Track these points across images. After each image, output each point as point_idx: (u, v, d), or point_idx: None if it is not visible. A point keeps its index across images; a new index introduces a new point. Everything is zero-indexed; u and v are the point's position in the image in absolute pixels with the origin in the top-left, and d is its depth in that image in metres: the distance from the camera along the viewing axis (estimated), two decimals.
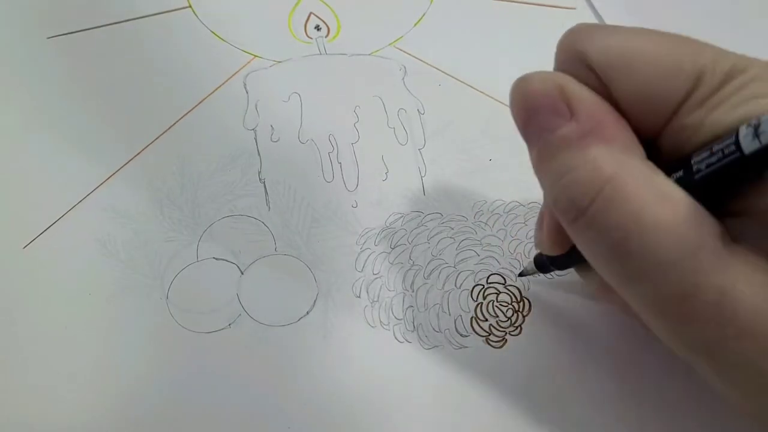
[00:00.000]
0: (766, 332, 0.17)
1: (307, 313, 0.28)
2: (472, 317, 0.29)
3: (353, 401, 0.27)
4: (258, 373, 0.27)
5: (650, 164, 0.19)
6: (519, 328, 0.28)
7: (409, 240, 0.30)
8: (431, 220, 0.31)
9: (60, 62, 0.33)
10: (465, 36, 0.36)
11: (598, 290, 0.25)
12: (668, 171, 0.19)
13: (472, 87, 0.34)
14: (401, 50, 0.35)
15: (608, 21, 0.37)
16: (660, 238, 0.18)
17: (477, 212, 0.31)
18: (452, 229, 0.30)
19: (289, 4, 0.36)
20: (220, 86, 0.33)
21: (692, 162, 0.18)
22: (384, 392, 0.27)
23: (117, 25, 0.35)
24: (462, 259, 0.30)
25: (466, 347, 0.28)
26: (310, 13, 0.36)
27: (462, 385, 0.27)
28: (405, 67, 0.35)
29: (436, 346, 0.28)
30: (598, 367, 0.28)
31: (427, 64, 0.35)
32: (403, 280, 0.29)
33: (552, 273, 0.28)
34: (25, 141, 0.31)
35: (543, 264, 0.27)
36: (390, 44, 0.35)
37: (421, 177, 0.32)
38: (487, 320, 0.28)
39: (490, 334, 0.28)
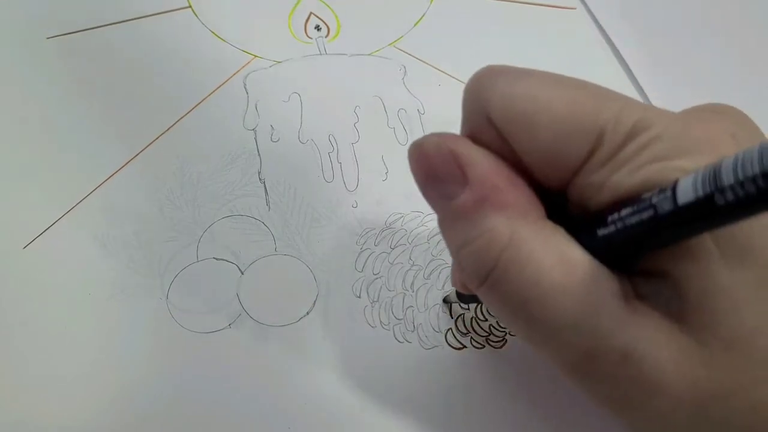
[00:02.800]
0: (674, 389, 0.17)
1: (307, 313, 0.28)
2: (472, 317, 0.29)
3: (353, 401, 0.27)
4: (258, 373, 0.27)
5: (549, 224, 0.19)
6: None
7: (409, 240, 0.30)
8: (431, 220, 0.31)
9: (60, 62, 0.33)
10: (465, 36, 0.36)
11: None
12: (575, 226, 0.19)
13: None
14: (401, 50, 0.35)
15: (603, 23, 0.37)
16: (558, 302, 0.18)
17: None
18: None
19: (289, 5, 0.36)
20: (220, 86, 0.33)
21: (596, 228, 0.18)
22: (384, 392, 0.27)
23: (117, 25, 0.35)
24: None
25: (466, 347, 0.28)
26: (310, 13, 0.36)
27: (462, 385, 0.27)
28: (405, 67, 0.35)
29: (436, 346, 0.28)
30: None
31: (427, 64, 0.35)
32: (403, 280, 0.29)
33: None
34: (25, 141, 0.31)
35: (463, 297, 0.27)
36: (390, 44, 0.35)
37: None
38: (487, 320, 0.28)
39: (490, 334, 0.28)
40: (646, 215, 0.16)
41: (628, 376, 0.18)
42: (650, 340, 0.18)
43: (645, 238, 0.17)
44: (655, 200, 0.16)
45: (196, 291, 0.28)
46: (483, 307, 0.29)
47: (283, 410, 0.26)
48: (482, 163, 0.19)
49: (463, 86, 0.20)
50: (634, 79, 0.35)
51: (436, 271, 0.29)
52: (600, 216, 0.18)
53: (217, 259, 0.29)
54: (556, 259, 0.18)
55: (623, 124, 0.18)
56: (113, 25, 0.35)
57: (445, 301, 0.29)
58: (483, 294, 0.19)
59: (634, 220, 0.17)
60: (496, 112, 0.19)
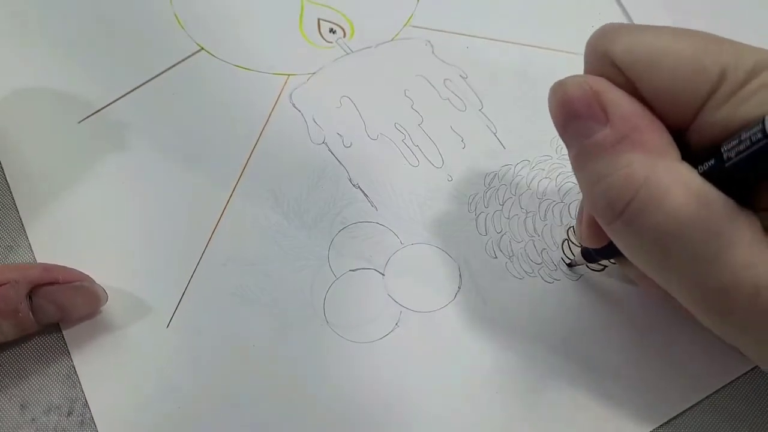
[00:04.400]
0: None
1: (459, 288, 0.29)
2: None
3: (530, 350, 0.28)
4: (440, 355, 0.28)
5: (685, 165, 0.20)
6: None
7: (513, 192, 0.32)
8: (522, 168, 0.32)
9: (92, 142, 0.32)
10: None
11: (640, 280, 0.26)
12: (699, 162, 0.20)
13: (495, 40, 0.36)
14: (418, 27, 0.36)
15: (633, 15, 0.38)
16: (696, 236, 0.19)
17: (557, 147, 0.33)
18: (544, 170, 0.32)
19: (295, 18, 0.36)
20: (271, 113, 0.33)
21: (722, 150, 0.19)
22: (554, 331, 0.28)
23: (141, 88, 0.34)
24: (565, 192, 0.32)
25: (606, 266, 0.30)
26: (318, 19, 0.36)
27: (618, 300, 0.29)
28: (429, 41, 0.36)
29: (582, 275, 0.30)
30: None
31: (446, 32, 0.36)
32: (526, 228, 0.31)
33: (598, 264, 0.30)
34: (131, 220, 0.30)
35: (589, 255, 0.28)
36: (405, 25, 0.36)
37: (494, 133, 0.33)
38: None
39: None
40: (759, 137, 0.18)
41: (761, 308, 0.19)
42: None
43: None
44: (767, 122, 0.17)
45: (350, 305, 0.29)
46: None
47: (484, 374, 0.27)
48: (624, 103, 0.20)
49: (486, 41, 0.21)
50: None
51: (549, 210, 0.31)
52: (724, 151, 0.19)
53: (353, 270, 0.30)
54: (693, 195, 0.19)
55: (744, 64, 0.19)
56: (140, 88, 0.34)
57: (571, 265, 0.30)
58: (617, 228, 0.21)
59: (757, 145, 0.18)
60: (621, 57, 0.20)
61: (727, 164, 0.19)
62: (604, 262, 0.30)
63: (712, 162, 0.20)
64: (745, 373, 0.28)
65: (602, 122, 0.20)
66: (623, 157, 0.20)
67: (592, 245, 0.25)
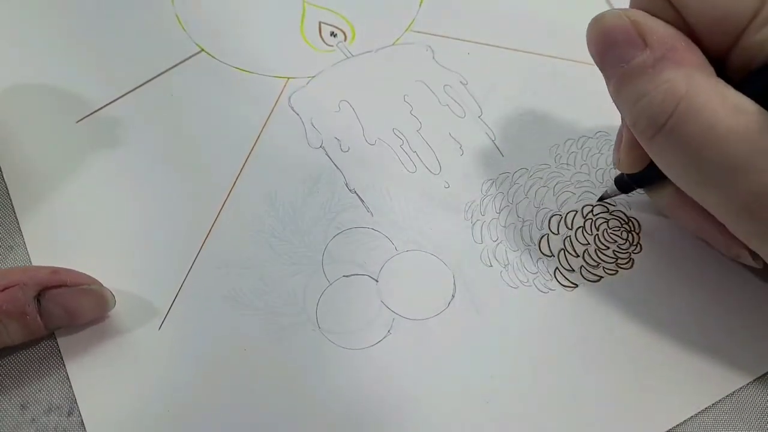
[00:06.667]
0: None
1: (453, 295, 0.29)
2: (595, 249, 0.30)
3: (523, 360, 0.28)
4: (430, 365, 0.28)
5: (721, 81, 0.21)
6: (639, 246, 0.30)
7: (510, 200, 0.31)
8: (520, 176, 0.32)
9: (90, 142, 0.32)
10: (469, 1, 0.37)
11: (671, 209, 0.28)
12: (738, 87, 0.21)
13: (496, 46, 0.36)
14: (419, 32, 0.36)
15: None
16: (734, 144, 0.20)
17: (556, 156, 0.32)
18: (542, 178, 0.32)
19: (296, 21, 0.36)
20: (269, 116, 0.33)
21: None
22: (547, 342, 0.28)
23: (141, 88, 0.34)
24: (563, 202, 0.31)
25: (602, 277, 0.30)
26: (320, 22, 0.36)
27: (613, 312, 0.29)
28: (431, 47, 0.35)
29: (577, 285, 0.30)
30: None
31: (448, 37, 0.36)
32: (522, 237, 0.31)
33: (632, 193, 0.30)
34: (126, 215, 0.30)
35: (624, 184, 0.29)
36: (406, 30, 0.36)
37: (493, 141, 0.33)
38: (609, 247, 0.30)
39: (617, 259, 0.30)
40: None
41: None
42: None
43: None
44: None
45: (342, 311, 0.29)
46: (601, 237, 0.30)
47: (476, 382, 0.27)
48: (660, 29, 0.22)
49: (487, 48, 0.22)
50: None
51: (545, 219, 0.31)
52: (762, 71, 0.21)
53: (346, 276, 0.29)
54: (730, 107, 0.20)
55: None
56: (139, 88, 0.34)
57: (602, 198, 0.31)
58: (657, 144, 0.22)
59: None
60: None
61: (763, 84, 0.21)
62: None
63: (750, 86, 0.21)
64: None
65: (640, 47, 0.22)
66: (663, 74, 0.21)
67: (630, 170, 0.27)
